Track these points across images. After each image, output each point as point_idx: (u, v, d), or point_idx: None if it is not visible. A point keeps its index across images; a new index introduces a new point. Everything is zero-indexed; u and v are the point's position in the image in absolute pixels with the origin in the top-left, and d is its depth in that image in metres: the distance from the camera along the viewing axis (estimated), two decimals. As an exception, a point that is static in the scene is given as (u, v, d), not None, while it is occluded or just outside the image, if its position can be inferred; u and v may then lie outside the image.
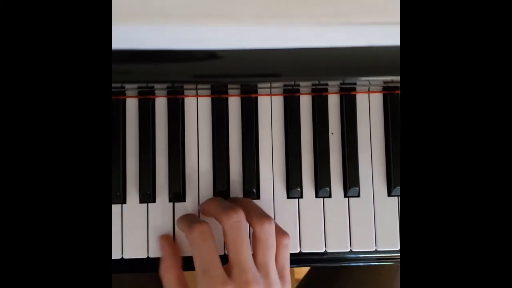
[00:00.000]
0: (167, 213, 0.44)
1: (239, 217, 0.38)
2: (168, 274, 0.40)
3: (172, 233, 0.44)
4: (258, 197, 0.44)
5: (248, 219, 0.39)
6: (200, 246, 0.37)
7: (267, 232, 0.38)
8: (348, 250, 0.44)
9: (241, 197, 0.44)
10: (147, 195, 0.44)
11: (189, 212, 0.44)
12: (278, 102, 0.45)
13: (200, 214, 0.44)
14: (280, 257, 0.40)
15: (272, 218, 0.40)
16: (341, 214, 0.45)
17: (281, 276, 0.39)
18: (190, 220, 0.40)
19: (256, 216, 0.39)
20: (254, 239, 0.39)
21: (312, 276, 0.62)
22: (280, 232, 0.40)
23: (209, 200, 0.43)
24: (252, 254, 0.38)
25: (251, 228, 0.41)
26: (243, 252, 0.37)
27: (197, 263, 0.37)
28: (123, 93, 0.44)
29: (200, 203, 0.44)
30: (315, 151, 0.45)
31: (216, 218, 0.39)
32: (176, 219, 0.44)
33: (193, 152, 0.45)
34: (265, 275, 0.37)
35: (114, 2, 0.33)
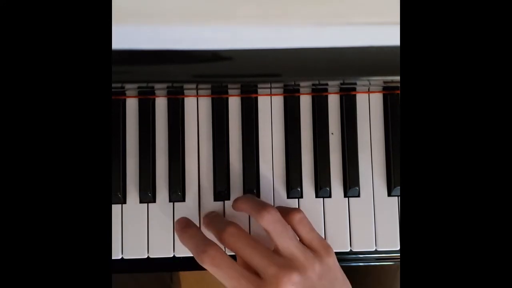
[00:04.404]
0: (167, 213, 0.44)
1: (230, 230, 0.37)
2: (183, 236, 0.39)
3: (172, 233, 0.44)
4: (258, 197, 0.44)
5: (253, 217, 0.38)
6: (217, 273, 0.36)
7: (271, 221, 0.37)
8: (348, 250, 0.44)
9: (239, 197, 0.42)
10: (147, 195, 0.44)
11: (190, 211, 0.44)
12: (278, 102, 0.45)
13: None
14: (302, 233, 0.38)
15: (270, 206, 0.38)
16: (341, 214, 0.45)
17: (314, 250, 0.38)
18: (196, 247, 0.38)
19: (255, 212, 0.38)
20: (266, 233, 0.38)
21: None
22: (288, 211, 0.39)
23: (205, 219, 0.42)
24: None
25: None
26: (252, 256, 0.36)
27: (225, 285, 0.37)
28: (123, 93, 0.44)
29: (200, 203, 0.44)
30: (315, 151, 0.45)
31: (214, 233, 0.39)
32: (176, 219, 0.43)
33: (193, 152, 0.45)
34: (292, 259, 0.36)
35: (114, 2, 0.33)
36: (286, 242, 0.37)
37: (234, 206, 0.42)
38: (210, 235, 0.39)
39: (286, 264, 0.36)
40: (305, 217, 0.39)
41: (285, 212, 0.39)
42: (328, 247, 0.38)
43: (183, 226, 0.40)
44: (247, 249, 0.36)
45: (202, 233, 0.39)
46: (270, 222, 0.37)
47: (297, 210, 0.40)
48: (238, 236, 0.37)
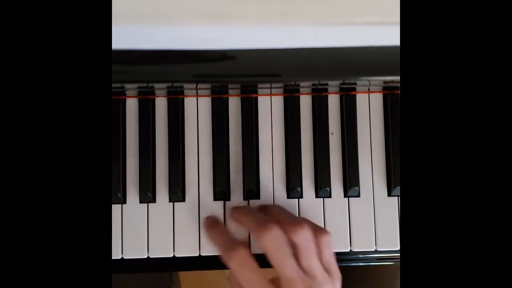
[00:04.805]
0: (167, 213, 0.44)
1: (272, 233, 0.37)
2: (213, 232, 0.41)
3: (172, 233, 0.44)
4: (258, 197, 0.44)
5: (282, 228, 0.38)
6: (241, 272, 0.37)
7: (303, 238, 0.38)
8: (348, 250, 0.44)
9: (271, 205, 0.44)
10: (147, 195, 0.44)
11: (190, 211, 0.44)
12: (278, 102, 0.45)
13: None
14: (324, 255, 0.39)
15: (304, 221, 0.39)
16: (341, 214, 0.45)
17: (329, 273, 0.39)
18: (225, 245, 0.39)
19: (289, 225, 0.38)
20: (293, 246, 0.38)
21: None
22: (319, 232, 0.40)
23: (240, 213, 0.42)
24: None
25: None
26: (287, 266, 0.37)
27: (245, 287, 0.37)
28: (123, 93, 0.44)
29: (200, 203, 0.44)
30: (315, 151, 0.45)
31: (252, 234, 0.40)
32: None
33: (193, 152, 0.45)
34: (313, 277, 0.37)
35: (114, 2, 0.33)
36: (314, 262, 0.38)
37: (265, 211, 0.42)
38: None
39: (311, 283, 0.37)
40: (331, 241, 0.40)
41: (315, 230, 0.39)
42: (339, 273, 0.40)
43: (213, 223, 0.42)
44: (284, 257, 0.37)
45: (230, 232, 0.40)
46: (304, 239, 0.38)
47: (327, 232, 0.40)
48: (279, 241, 0.37)
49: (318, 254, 0.39)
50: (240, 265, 0.37)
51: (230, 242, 0.39)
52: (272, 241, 0.37)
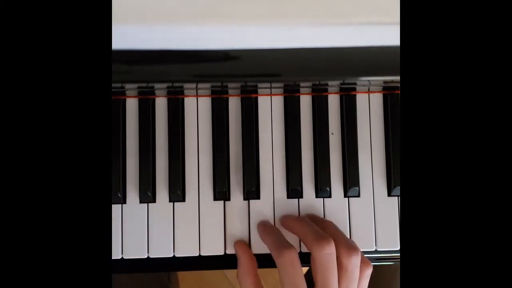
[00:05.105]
0: (167, 213, 0.44)
1: (331, 249, 0.38)
2: (246, 280, 0.41)
3: (172, 233, 0.44)
4: (258, 197, 0.44)
5: (335, 247, 0.39)
6: (289, 272, 0.38)
7: (354, 264, 0.39)
8: (348, 250, 0.44)
9: (325, 220, 0.44)
10: (147, 195, 0.44)
11: (190, 211, 0.44)
12: (278, 102, 0.45)
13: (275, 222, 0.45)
14: (361, 285, 0.41)
15: (359, 249, 0.40)
16: (341, 214, 0.45)
17: None
18: (278, 242, 0.40)
19: (345, 246, 0.39)
20: (339, 266, 0.39)
21: (311, 276, 0.62)
22: (364, 262, 0.41)
23: (297, 220, 0.42)
24: None
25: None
26: (332, 283, 0.38)
27: (287, 286, 0.38)
28: (123, 93, 0.44)
29: (200, 203, 0.44)
30: (315, 151, 0.45)
31: (305, 243, 0.40)
32: (175, 219, 0.44)
33: (193, 152, 0.45)
34: None
35: (114, 2, 0.33)
36: (353, 287, 0.39)
37: (318, 223, 0.42)
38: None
39: None
40: (370, 275, 0.42)
41: (361, 260, 0.40)
42: None
43: (266, 223, 0.44)
44: (333, 275, 0.38)
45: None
46: (353, 265, 0.39)
47: (371, 265, 0.41)
48: (333, 258, 0.38)
49: (357, 282, 0.40)
50: (290, 264, 0.38)
51: (283, 241, 0.40)
52: (328, 255, 0.38)
